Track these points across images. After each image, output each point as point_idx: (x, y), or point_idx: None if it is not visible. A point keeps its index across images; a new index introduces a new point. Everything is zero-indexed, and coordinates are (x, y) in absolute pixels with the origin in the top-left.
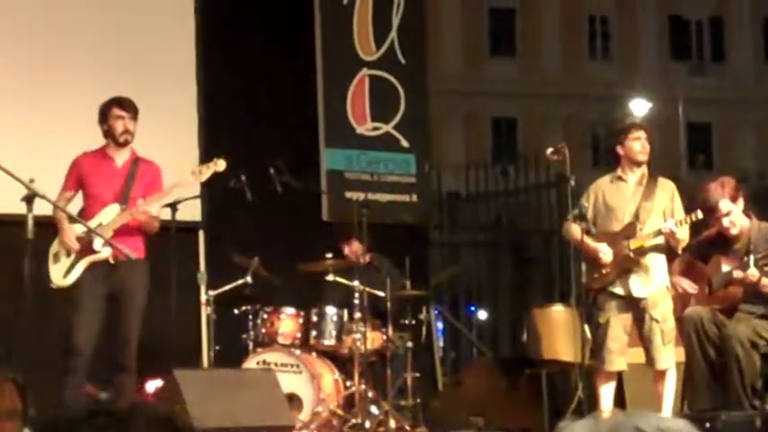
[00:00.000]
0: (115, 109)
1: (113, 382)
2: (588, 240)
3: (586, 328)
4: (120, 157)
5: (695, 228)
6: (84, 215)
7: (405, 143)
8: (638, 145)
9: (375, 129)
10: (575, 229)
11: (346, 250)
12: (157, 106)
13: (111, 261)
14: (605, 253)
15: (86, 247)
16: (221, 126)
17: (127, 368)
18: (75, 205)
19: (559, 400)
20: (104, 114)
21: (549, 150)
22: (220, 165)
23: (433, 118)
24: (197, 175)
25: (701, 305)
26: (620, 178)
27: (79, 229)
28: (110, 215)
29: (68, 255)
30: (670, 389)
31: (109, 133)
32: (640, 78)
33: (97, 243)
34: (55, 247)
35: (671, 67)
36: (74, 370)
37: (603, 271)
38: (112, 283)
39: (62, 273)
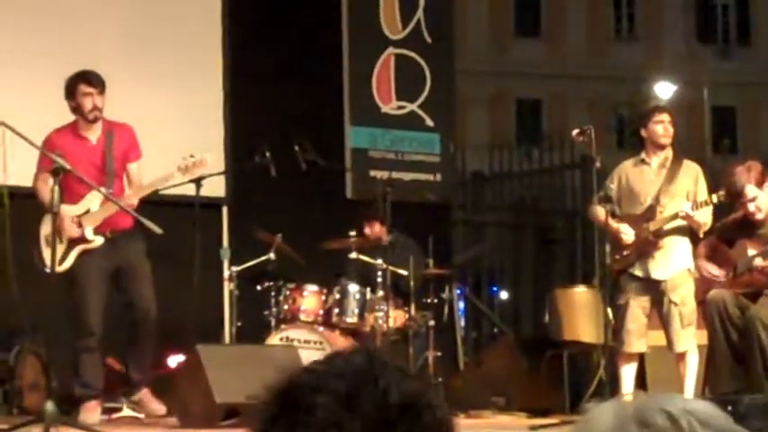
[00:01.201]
0: (82, 85)
1: (135, 347)
2: (611, 222)
3: (609, 309)
4: (93, 134)
5: (720, 211)
6: (66, 197)
7: (430, 122)
8: (660, 128)
9: (400, 107)
10: (599, 211)
11: (368, 231)
12: (183, 82)
13: (109, 236)
14: (626, 234)
15: (80, 235)
16: (246, 102)
17: (149, 333)
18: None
19: (580, 381)
20: (71, 91)
21: (575, 132)
22: (206, 162)
23: (458, 98)
24: (183, 171)
25: (725, 288)
26: (643, 161)
27: (70, 212)
28: (97, 201)
29: (61, 240)
30: (692, 372)
31: (78, 110)
32: (666, 61)
33: (88, 231)
34: (45, 228)
35: (696, 49)
36: (89, 349)
37: (624, 253)
38: (115, 258)
39: (56, 259)
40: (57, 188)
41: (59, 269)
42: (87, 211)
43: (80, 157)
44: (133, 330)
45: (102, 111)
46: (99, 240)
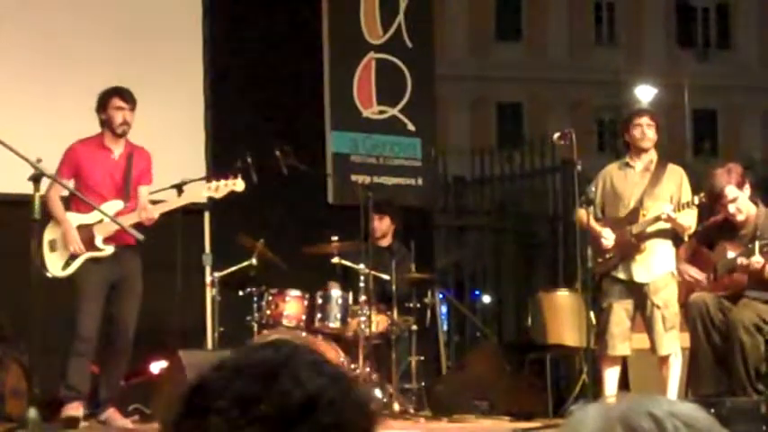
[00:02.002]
0: (115, 99)
1: (108, 363)
2: (593, 225)
3: (591, 313)
4: (117, 148)
5: (701, 214)
6: (78, 206)
7: (411, 127)
8: (638, 132)
9: (381, 112)
10: (581, 214)
11: (376, 224)
12: (163, 89)
13: (114, 249)
14: (606, 237)
15: (87, 243)
16: (227, 108)
17: (124, 351)
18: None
19: (563, 384)
20: (104, 104)
21: (556, 135)
22: (239, 185)
23: (439, 102)
24: (213, 191)
25: (706, 291)
26: (627, 164)
27: (76, 221)
28: (111, 213)
29: (66, 246)
30: (675, 374)
31: (107, 123)
32: (646, 64)
33: (98, 240)
34: (50, 233)
35: (677, 53)
36: (81, 354)
37: (607, 256)
38: (115, 271)
39: (60, 264)
40: (37, 195)
41: (62, 274)
42: (101, 221)
43: (101, 168)
44: (107, 345)
45: (130, 127)
46: (109, 250)
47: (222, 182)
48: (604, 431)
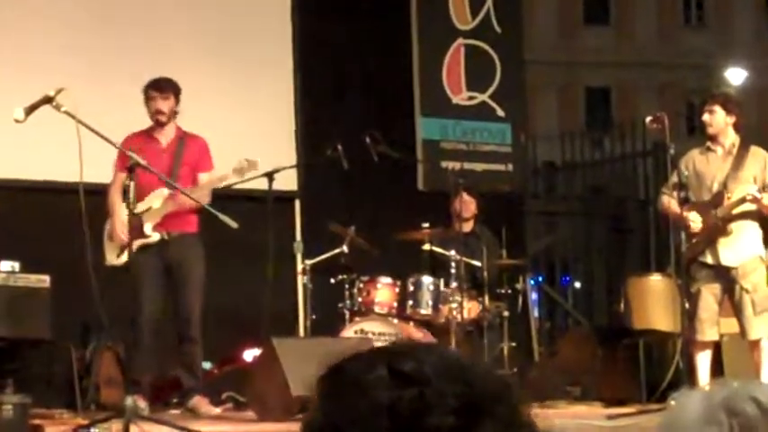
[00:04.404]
0: (149, 90)
1: (181, 351)
2: (678, 210)
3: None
4: (165, 137)
5: None
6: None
7: (500, 112)
8: (706, 117)
9: (471, 98)
10: (666, 200)
11: (457, 205)
12: (254, 78)
13: (166, 237)
14: (694, 221)
15: (137, 230)
16: (318, 96)
17: (192, 339)
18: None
19: (656, 370)
20: (144, 96)
21: (649, 119)
22: (257, 167)
23: (527, 87)
24: (239, 172)
25: None
26: (709, 149)
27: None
28: (158, 200)
29: (112, 239)
30: (767, 358)
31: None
32: (736, 47)
33: (147, 227)
34: (109, 224)
35: (767, 35)
36: (138, 342)
37: (694, 240)
38: (166, 257)
39: (115, 253)
40: (132, 184)
41: (118, 262)
42: (149, 209)
43: (150, 157)
44: (177, 334)
45: (166, 115)
46: (156, 236)
47: (245, 164)
48: (708, 417)
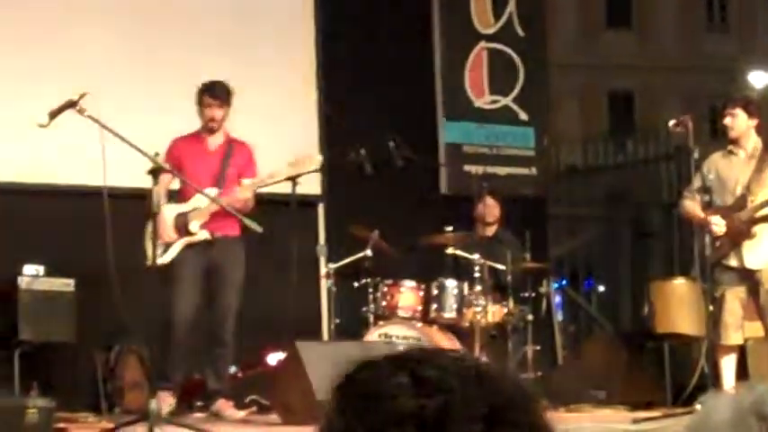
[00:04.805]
0: (205, 96)
1: (211, 354)
2: (702, 214)
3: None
4: (214, 140)
5: None
6: (180, 197)
7: (523, 116)
8: (727, 120)
9: (493, 102)
10: (689, 205)
11: (480, 208)
12: (277, 82)
13: (210, 238)
14: (717, 224)
15: (183, 228)
16: (341, 100)
17: (225, 342)
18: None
19: (681, 373)
20: (197, 100)
21: (672, 122)
22: (316, 161)
23: (549, 91)
24: (293, 168)
25: None
26: (731, 152)
27: (174, 211)
28: (206, 200)
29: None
30: None
31: (200, 118)
32: (759, 50)
33: (194, 225)
34: (152, 224)
35: None
36: (176, 341)
37: (717, 244)
38: (209, 259)
39: (159, 251)
40: (156, 188)
41: (162, 261)
42: (196, 208)
43: (197, 160)
44: (209, 336)
45: (218, 123)
46: (203, 234)
47: (301, 159)
48: (736, 420)
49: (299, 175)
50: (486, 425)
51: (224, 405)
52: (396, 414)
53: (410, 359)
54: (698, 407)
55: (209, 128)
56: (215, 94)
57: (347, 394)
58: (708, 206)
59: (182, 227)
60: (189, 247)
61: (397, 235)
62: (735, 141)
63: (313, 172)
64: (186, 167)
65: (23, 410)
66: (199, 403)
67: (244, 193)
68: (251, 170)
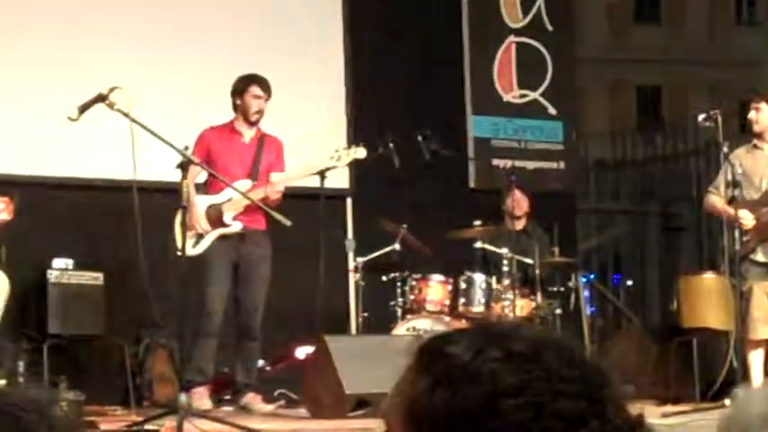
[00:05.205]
0: (254, 87)
1: (241, 348)
2: (728, 209)
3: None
4: (249, 133)
5: None
6: (211, 188)
7: (552, 110)
8: (752, 114)
9: (522, 96)
10: (714, 200)
11: (509, 202)
12: (305, 76)
13: (242, 231)
14: (746, 219)
15: (216, 220)
16: (369, 93)
17: (254, 336)
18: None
19: (710, 368)
20: (241, 89)
21: (702, 117)
22: (360, 152)
23: (577, 85)
24: (336, 160)
25: None
26: (755, 146)
27: (206, 202)
28: (242, 190)
29: (193, 226)
30: None
31: (240, 108)
32: None
33: (227, 216)
34: (182, 216)
35: None
36: (208, 334)
37: (745, 239)
38: (239, 253)
39: (191, 243)
40: (186, 181)
41: (194, 252)
42: (229, 200)
43: (232, 152)
44: (238, 330)
45: (262, 116)
46: (237, 226)
47: (344, 150)
48: None
49: (317, 173)
50: (589, 400)
51: (253, 399)
52: (498, 390)
53: (496, 333)
54: (727, 402)
55: (253, 120)
56: (265, 86)
57: (441, 370)
58: (733, 201)
59: (215, 218)
60: (220, 239)
61: (425, 229)
62: (759, 135)
63: (333, 168)
64: (218, 158)
65: (54, 403)
66: (227, 397)
67: (283, 184)
68: (280, 165)
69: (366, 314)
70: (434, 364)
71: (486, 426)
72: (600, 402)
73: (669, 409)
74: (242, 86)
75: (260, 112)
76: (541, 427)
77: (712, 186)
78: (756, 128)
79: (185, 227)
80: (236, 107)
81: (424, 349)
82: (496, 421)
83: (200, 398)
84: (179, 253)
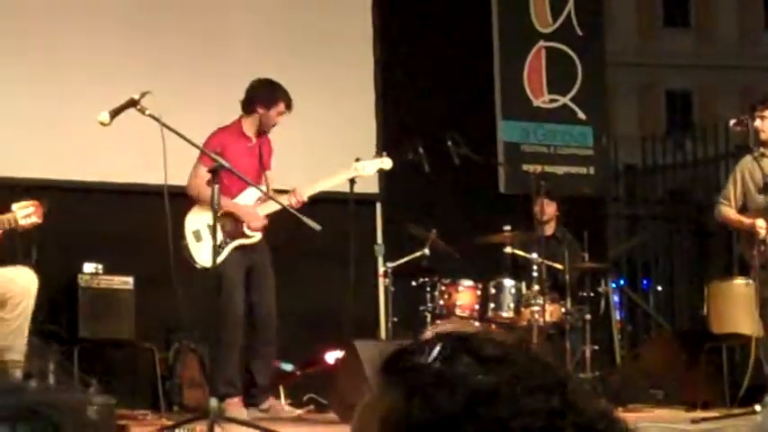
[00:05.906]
0: (282, 105)
1: (259, 352)
2: (742, 218)
3: None
4: (254, 136)
5: None
6: (224, 194)
7: (582, 115)
8: (758, 123)
9: (552, 101)
10: (726, 210)
11: (537, 208)
12: (334, 81)
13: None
14: (762, 227)
15: (237, 230)
16: (398, 98)
17: (272, 341)
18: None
19: (740, 373)
20: (269, 101)
21: (732, 121)
22: (386, 163)
23: (607, 90)
24: (360, 170)
25: None
26: (763, 155)
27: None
28: (252, 199)
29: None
30: None
31: (261, 118)
32: None
33: (246, 227)
34: (193, 223)
35: None
36: (232, 344)
37: (762, 248)
38: (251, 260)
39: (210, 253)
40: (217, 186)
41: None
42: (257, 201)
43: (241, 155)
44: (253, 337)
45: None
46: (257, 237)
47: (369, 162)
48: None
49: (353, 179)
50: (560, 398)
51: (275, 402)
52: (474, 393)
53: (461, 340)
54: (757, 407)
55: (264, 131)
56: (290, 107)
57: (413, 381)
58: (743, 210)
59: (235, 227)
60: (239, 247)
61: (454, 234)
62: (766, 144)
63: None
64: (230, 161)
65: (85, 407)
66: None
67: (304, 196)
68: (269, 163)
69: (395, 319)
70: (404, 375)
71: (466, 430)
72: (571, 394)
73: (698, 414)
74: (272, 99)
75: (274, 126)
76: (520, 425)
77: (722, 197)
78: (763, 136)
79: (215, 230)
80: (249, 111)
81: (391, 364)
82: (475, 424)
83: (237, 408)
84: (198, 265)
